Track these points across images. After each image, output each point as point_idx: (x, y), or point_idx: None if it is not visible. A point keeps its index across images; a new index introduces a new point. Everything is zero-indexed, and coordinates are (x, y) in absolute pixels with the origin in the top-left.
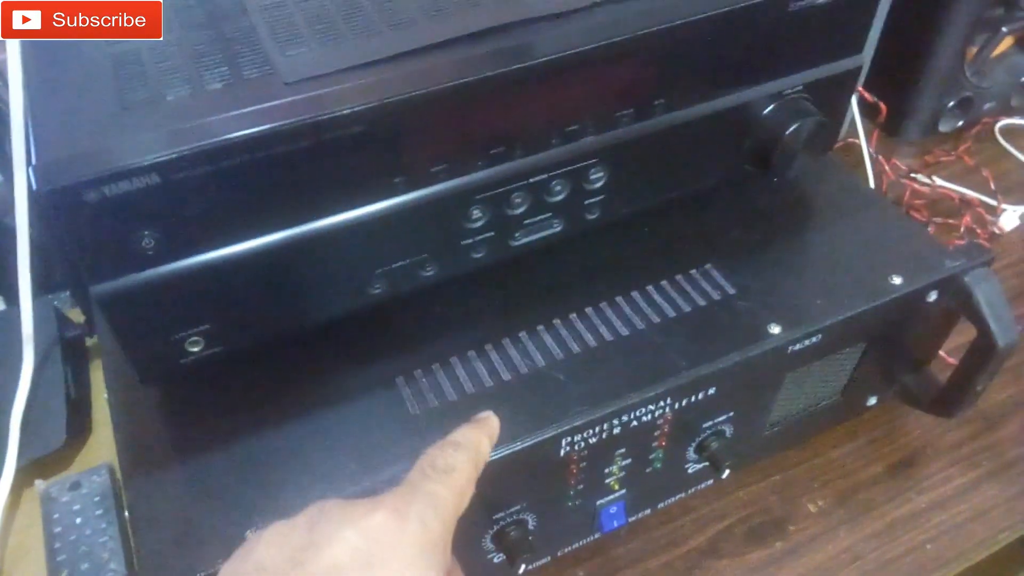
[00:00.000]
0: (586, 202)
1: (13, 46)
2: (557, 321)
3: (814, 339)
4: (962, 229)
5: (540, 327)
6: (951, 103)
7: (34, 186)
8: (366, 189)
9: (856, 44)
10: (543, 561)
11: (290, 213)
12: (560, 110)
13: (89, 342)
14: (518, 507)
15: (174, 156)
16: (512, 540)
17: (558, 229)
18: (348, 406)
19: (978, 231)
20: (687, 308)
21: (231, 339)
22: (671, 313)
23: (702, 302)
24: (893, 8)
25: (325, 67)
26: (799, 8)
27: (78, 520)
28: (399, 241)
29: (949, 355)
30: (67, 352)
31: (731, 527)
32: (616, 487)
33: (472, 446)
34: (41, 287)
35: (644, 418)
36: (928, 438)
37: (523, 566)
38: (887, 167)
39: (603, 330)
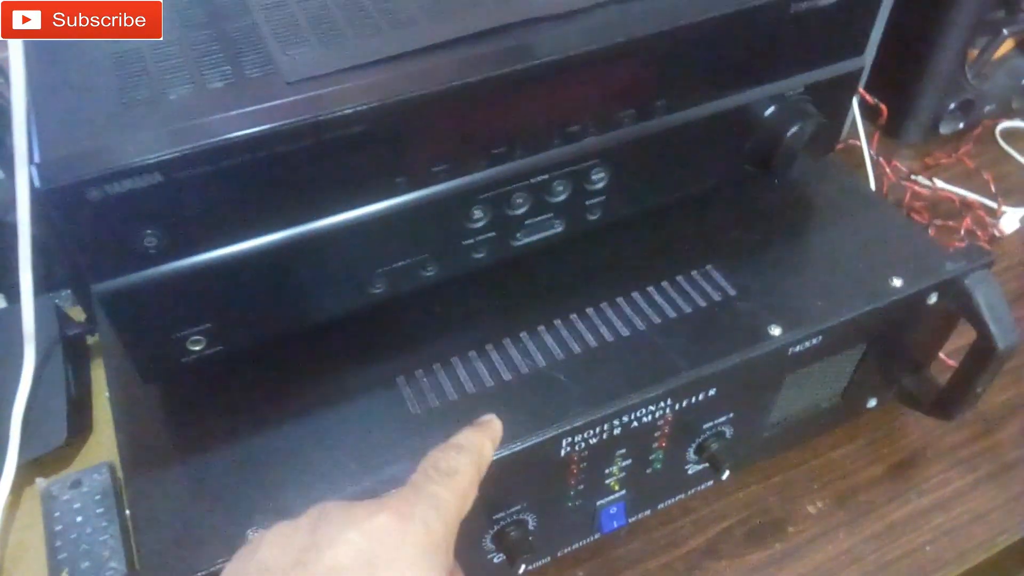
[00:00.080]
0: (587, 203)
1: (15, 44)
2: (558, 321)
3: (814, 340)
4: (962, 231)
5: (541, 327)
6: (952, 105)
7: (37, 184)
8: (367, 189)
9: (857, 46)
10: (543, 561)
11: (292, 212)
12: (562, 111)
13: (90, 340)
14: (518, 507)
15: (176, 155)
16: (512, 540)
17: (559, 229)
18: (349, 406)
19: (978, 233)
20: (688, 309)
21: (232, 338)
22: (672, 314)
23: (703, 303)
24: (894, 10)
25: (327, 67)
26: (800, 10)
27: (79, 518)
28: (400, 241)
29: (949, 357)
30: (68, 350)
31: (731, 528)
32: (616, 488)
33: (475, 449)
34: (42, 285)
35: (644, 419)
36: (928, 440)
37: (523, 566)
38: (888, 169)
39: (604, 330)
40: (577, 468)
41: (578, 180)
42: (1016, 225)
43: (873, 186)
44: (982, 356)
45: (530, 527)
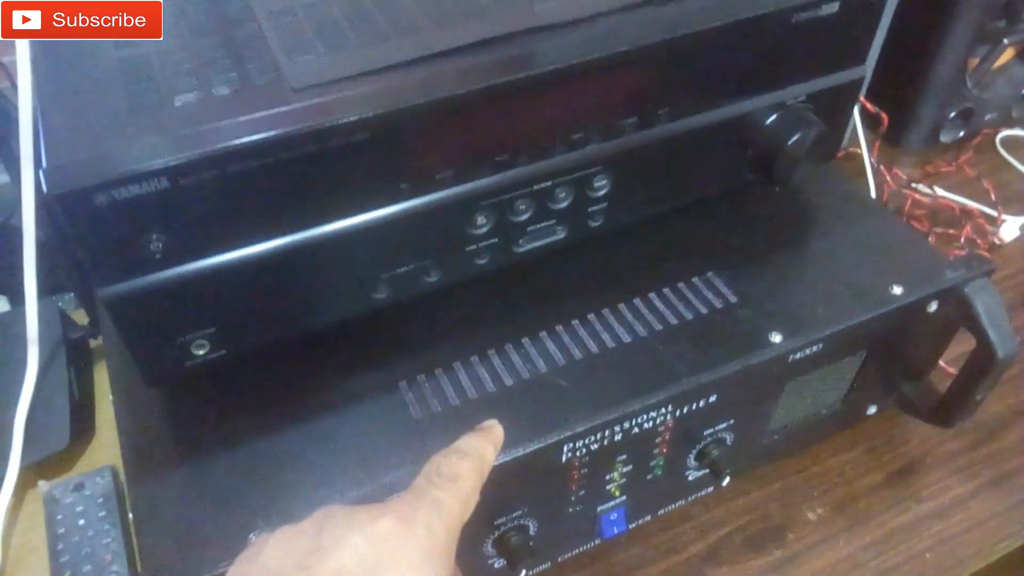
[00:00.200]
0: (590, 209)
1: (22, 49)
2: (560, 327)
3: (815, 348)
4: (962, 239)
5: (543, 333)
6: (952, 114)
7: (44, 189)
8: (372, 195)
9: (859, 55)
10: (544, 567)
11: (296, 218)
12: (564, 118)
13: (93, 344)
14: (519, 512)
15: (182, 161)
16: (513, 546)
17: (562, 236)
18: (352, 410)
19: (978, 241)
20: (689, 316)
21: (236, 342)
22: (673, 320)
23: (704, 310)
24: (895, 19)
25: (333, 74)
26: (802, 20)
27: (81, 521)
28: (404, 247)
29: (949, 365)
30: (71, 353)
31: (731, 534)
32: (617, 493)
33: (477, 454)
34: (46, 288)
35: (645, 425)
36: (927, 447)
37: (524, 572)
38: (888, 177)
39: (605, 337)
40: (578, 474)
41: (580, 187)
42: (1016, 233)
43: (874, 194)
44: (982, 364)
45: (531, 532)
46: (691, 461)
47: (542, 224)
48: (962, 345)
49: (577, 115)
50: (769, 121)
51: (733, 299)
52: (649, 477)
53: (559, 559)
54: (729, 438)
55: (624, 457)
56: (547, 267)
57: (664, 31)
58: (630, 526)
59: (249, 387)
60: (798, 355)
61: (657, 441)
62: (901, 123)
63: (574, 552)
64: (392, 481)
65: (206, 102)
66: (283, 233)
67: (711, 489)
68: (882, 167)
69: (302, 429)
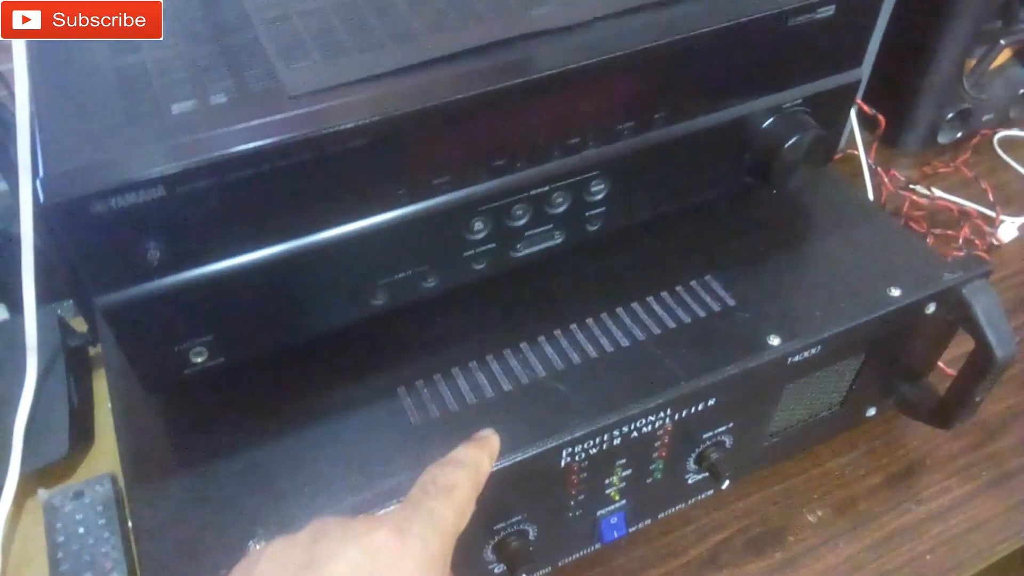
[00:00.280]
0: (587, 214)
1: (19, 56)
2: (558, 332)
3: (813, 350)
4: (960, 240)
5: (541, 338)
6: (950, 115)
7: (41, 199)
8: (369, 201)
9: (855, 58)
10: (544, 571)
11: (294, 225)
12: (561, 123)
13: (92, 351)
14: (519, 517)
15: (179, 169)
16: (513, 550)
17: (559, 241)
18: (350, 416)
19: (976, 242)
20: (687, 319)
21: (234, 350)
22: (671, 324)
23: (702, 313)
24: (892, 21)
25: (330, 81)
26: (798, 23)
27: (81, 529)
28: (402, 253)
29: (948, 366)
30: (70, 361)
31: (731, 537)
32: (616, 497)
33: (473, 464)
34: (44, 296)
35: (644, 429)
36: (927, 449)
37: None
38: (886, 179)
39: (603, 341)
40: (577, 478)
41: (578, 192)
42: (1014, 234)
43: (871, 196)
44: (980, 365)
45: (531, 537)
46: (691, 464)
47: (540, 229)
48: (961, 346)
49: (574, 120)
50: (766, 124)
51: (731, 302)
52: (649, 481)
53: (559, 564)
54: (729, 441)
55: (624, 461)
56: (545, 272)
57: (660, 35)
58: (630, 530)
59: (248, 394)
60: (797, 358)
61: (656, 445)
62: (898, 125)
63: (574, 557)
64: (391, 487)
65: (203, 110)
66: (281, 240)
67: (711, 492)
68: (879, 169)
69: (301, 436)
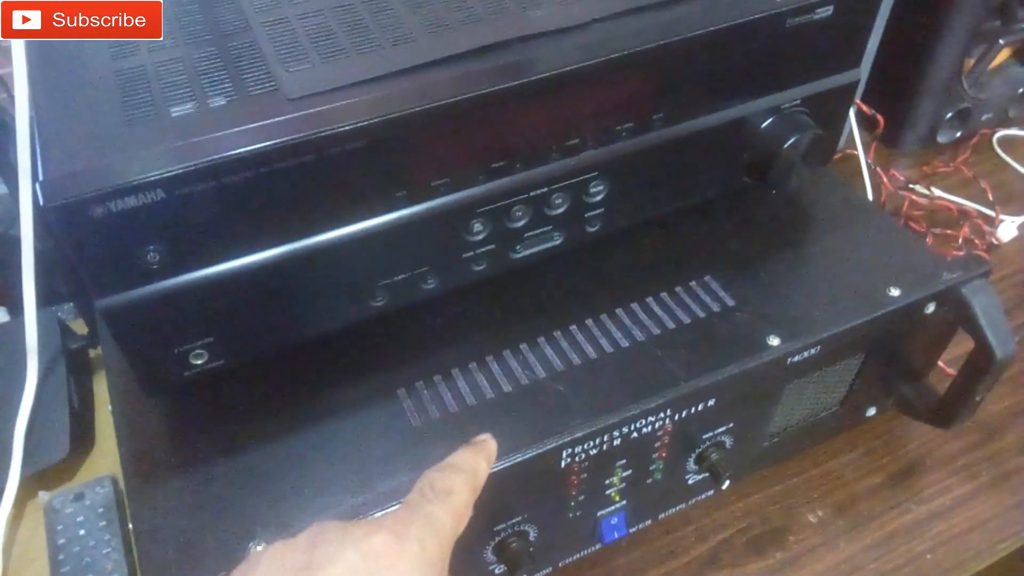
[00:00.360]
0: (586, 215)
1: (19, 59)
2: (557, 333)
3: (813, 351)
4: (960, 240)
5: (540, 339)
6: (949, 114)
7: (41, 201)
8: (369, 203)
9: (853, 58)
10: (544, 572)
11: (293, 227)
12: (560, 125)
13: (92, 354)
14: (519, 518)
15: (179, 172)
16: (513, 551)
17: (558, 242)
18: (350, 418)
19: (976, 242)
20: (687, 320)
21: (234, 352)
22: (671, 325)
23: (701, 314)
24: (891, 21)
25: (328, 83)
26: (796, 24)
27: (81, 532)
28: (401, 254)
29: (948, 366)
30: (71, 363)
31: (731, 538)
32: (617, 498)
33: (470, 469)
34: (45, 298)
35: (644, 429)
36: (927, 448)
37: None
38: (885, 178)
39: (603, 342)
40: (577, 479)
41: (577, 193)
42: (1014, 233)
43: (871, 196)
44: (980, 365)
45: (531, 538)
46: (691, 465)
47: (539, 230)
48: (961, 346)
49: (573, 121)
50: (765, 125)
51: (731, 303)
52: (649, 481)
53: (560, 564)
54: (728, 441)
55: (624, 462)
56: (544, 273)
57: (658, 36)
58: (630, 530)
59: (247, 396)
60: (796, 358)
61: (656, 445)
62: (897, 125)
63: (575, 557)
64: (390, 489)
65: (202, 113)
66: (280, 242)
67: (711, 492)
68: (879, 169)
69: (301, 437)
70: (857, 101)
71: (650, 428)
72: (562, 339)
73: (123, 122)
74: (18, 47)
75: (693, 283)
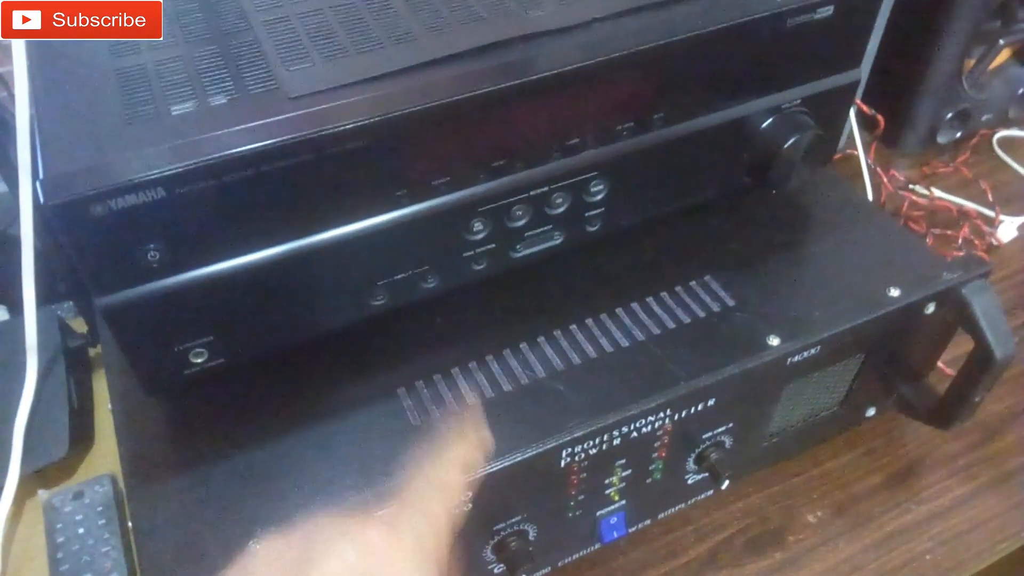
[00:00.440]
0: (586, 214)
1: (19, 58)
2: (557, 332)
3: (813, 351)
4: (960, 240)
5: (540, 338)
6: (949, 115)
7: (41, 200)
8: (369, 202)
9: (853, 59)
10: (544, 572)
11: (294, 226)
12: (560, 124)
13: (92, 352)
14: (519, 518)
15: (179, 170)
16: (513, 551)
17: (559, 241)
18: (350, 417)
19: (976, 242)
20: (687, 320)
21: (234, 351)
22: (671, 325)
23: (701, 314)
24: (891, 21)
25: (329, 82)
26: (797, 24)
27: (81, 530)
28: (401, 253)
29: (947, 366)
30: (70, 362)
31: (731, 538)
32: (616, 498)
33: (465, 462)
34: (44, 297)
35: (644, 429)
36: (926, 449)
37: None
38: (885, 179)
39: (603, 341)
40: (577, 478)
41: (577, 192)
42: (1013, 234)
43: (871, 196)
44: (980, 365)
45: (530, 537)
46: (690, 465)
47: (539, 230)
48: (960, 346)
49: (573, 121)
50: (765, 125)
51: (731, 303)
52: (648, 481)
53: (559, 564)
54: (728, 441)
55: (623, 461)
56: (545, 272)
57: (658, 36)
58: (630, 530)
59: (248, 395)
60: (796, 358)
61: (656, 445)
62: (898, 125)
63: (574, 557)
64: (390, 488)
65: (203, 112)
66: (281, 241)
67: (711, 492)
68: (879, 169)
69: (300, 436)
70: (857, 101)
71: (650, 428)
72: (562, 338)
73: (124, 121)
74: (18, 46)
75: (693, 283)
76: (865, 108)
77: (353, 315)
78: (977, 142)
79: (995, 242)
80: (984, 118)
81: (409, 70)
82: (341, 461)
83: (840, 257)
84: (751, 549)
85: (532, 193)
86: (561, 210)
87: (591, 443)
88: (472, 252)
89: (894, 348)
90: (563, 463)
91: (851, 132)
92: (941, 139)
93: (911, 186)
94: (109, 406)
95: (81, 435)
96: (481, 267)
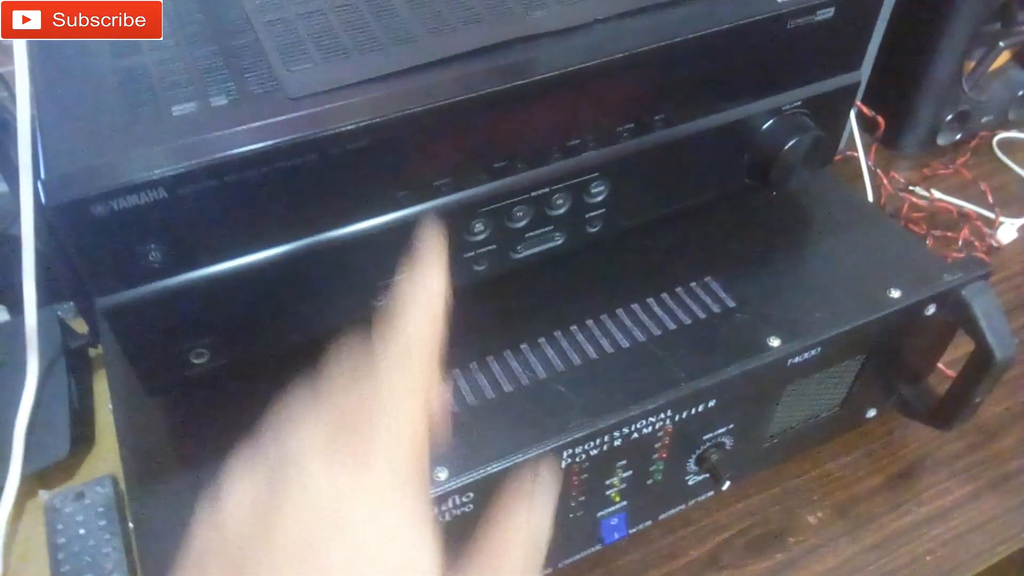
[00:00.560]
0: (587, 215)
1: (20, 58)
2: (558, 333)
3: (813, 352)
4: (960, 242)
5: (541, 339)
6: (949, 117)
7: (43, 200)
8: (370, 203)
9: (854, 60)
10: (544, 573)
11: (295, 227)
12: (561, 125)
13: (93, 353)
14: None
15: (181, 171)
16: None
17: (559, 242)
18: None
19: (976, 244)
20: (687, 321)
21: (235, 351)
22: (671, 325)
23: (702, 315)
24: (891, 23)
25: (330, 83)
26: (797, 25)
27: (81, 531)
28: (403, 254)
29: (948, 367)
30: (71, 363)
31: (731, 539)
32: (617, 499)
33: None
34: (45, 298)
35: (645, 430)
36: (927, 450)
37: None
38: (885, 180)
39: (604, 342)
40: (578, 479)
41: (578, 193)
42: (1013, 235)
43: (871, 197)
44: (980, 367)
45: None
46: (691, 466)
47: (540, 230)
48: (961, 347)
49: (574, 122)
50: (765, 127)
51: (731, 304)
52: (649, 482)
53: (560, 565)
54: (729, 442)
55: (624, 462)
56: (545, 273)
57: (659, 37)
58: (631, 531)
59: (249, 395)
60: (797, 359)
61: (657, 446)
62: (898, 126)
63: (575, 558)
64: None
65: (204, 112)
66: (281, 242)
67: (711, 493)
68: (879, 171)
69: None
70: (857, 103)
71: (650, 429)
72: (563, 339)
73: (125, 121)
74: (19, 46)
75: (694, 284)
76: (865, 110)
77: (354, 315)
78: (977, 144)
79: (995, 244)
80: (984, 120)
81: (410, 71)
82: None
83: (840, 258)
84: (752, 550)
85: (533, 194)
86: (562, 211)
87: (592, 444)
88: (473, 253)
89: (894, 349)
90: (564, 464)
91: (851, 134)
92: (941, 141)
93: (911, 188)
94: (110, 407)
95: (82, 436)
96: (482, 268)
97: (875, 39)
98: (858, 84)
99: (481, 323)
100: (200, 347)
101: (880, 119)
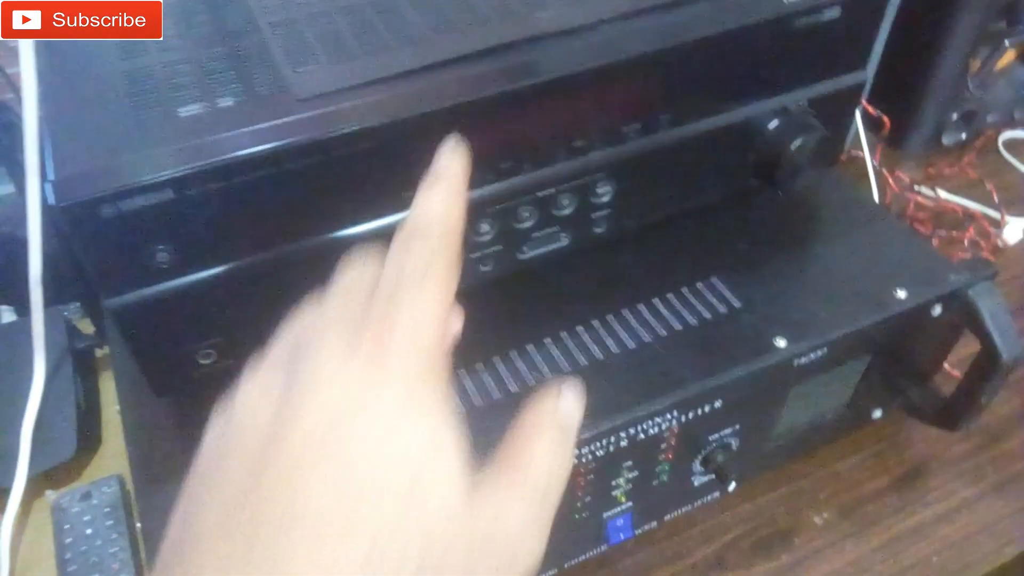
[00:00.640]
0: (593, 216)
1: (27, 60)
2: (564, 333)
3: (820, 352)
4: (966, 242)
5: (546, 339)
6: (954, 116)
7: (51, 201)
8: (377, 203)
9: (860, 60)
10: (549, 573)
11: (302, 227)
12: (568, 126)
13: (99, 353)
14: None
15: (188, 172)
16: None
17: (565, 243)
18: None
19: (982, 244)
20: (693, 321)
21: (243, 352)
22: (677, 326)
23: (708, 315)
24: (896, 22)
25: (337, 84)
26: (803, 25)
27: (88, 531)
28: None
29: (954, 368)
30: (77, 363)
31: (737, 539)
32: (623, 499)
33: (439, 220)
34: (51, 298)
35: (651, 431)
36: (933, 451)
37: None
38: (891, 180)
39: (610, 343)
40: (584, 480)
41: (584, 194)
42: (1019, 235)
43: (876, 197)
44: (986, 367)
45: None
46: (697, 466)
47: (546, 231)
48: (967, 348)
49: (580, 122)
50: (771, 126)
51: (737, 304)
52: (655, 483)
53: (565, 565)
54: (735, 443)
55: (630, 463)
56: (551, 274)
57: (665, 38)
58: (636, 532)
59: None
60: (803, 360)
61: (663, 447)
62: (903, 126)
63: (580, 558)
64: None
65: (211, 113)
66: (288, 242)
67: (717, 494)
68: (884, 170)
69: None
70: (863, 102)
71: (656, 429)
72: (568, 340)
73: (132, 122)
74: (26, 47)
75: (699, 284)
76: (871, 109)
77: None
78: (983, 143)
79: (1000, 244)
80: (990, 119)
81: (416, 72)
82: None
83: (846, 259)
84: (758, 551)
85: (539, 195)
86: (568, 211)
87: (598, 445)
88: (479, 253)
89: (900, 350)
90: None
91: (857, 133)
92: (946, 140)
93: (916, 187)
94: (116, 407)
95: (88, 436)
96: (487, 268)
97: (881, 38)
98: (864, 83)
99: (487, 324)
100: (207, 348)
101: (885, 119)
